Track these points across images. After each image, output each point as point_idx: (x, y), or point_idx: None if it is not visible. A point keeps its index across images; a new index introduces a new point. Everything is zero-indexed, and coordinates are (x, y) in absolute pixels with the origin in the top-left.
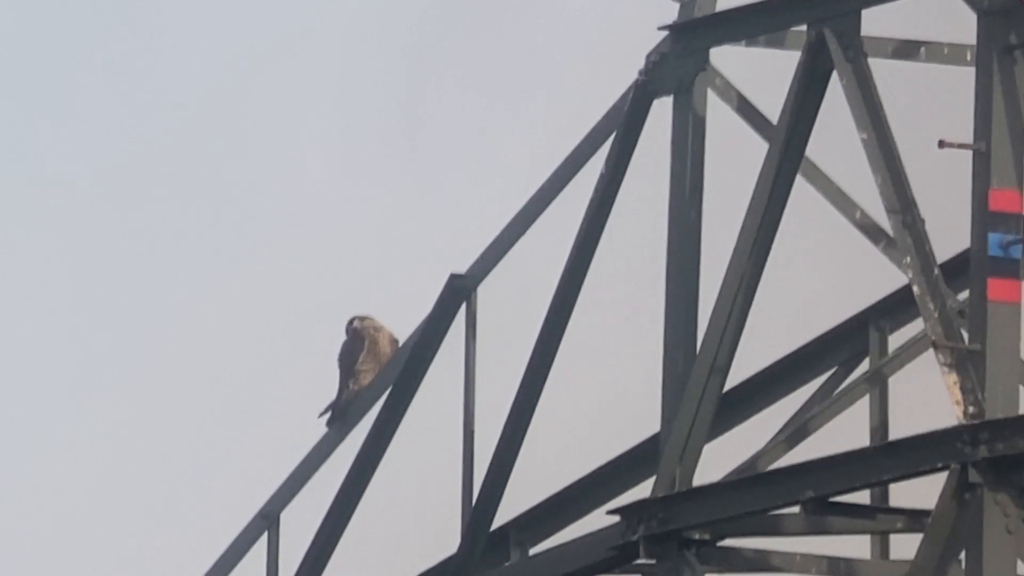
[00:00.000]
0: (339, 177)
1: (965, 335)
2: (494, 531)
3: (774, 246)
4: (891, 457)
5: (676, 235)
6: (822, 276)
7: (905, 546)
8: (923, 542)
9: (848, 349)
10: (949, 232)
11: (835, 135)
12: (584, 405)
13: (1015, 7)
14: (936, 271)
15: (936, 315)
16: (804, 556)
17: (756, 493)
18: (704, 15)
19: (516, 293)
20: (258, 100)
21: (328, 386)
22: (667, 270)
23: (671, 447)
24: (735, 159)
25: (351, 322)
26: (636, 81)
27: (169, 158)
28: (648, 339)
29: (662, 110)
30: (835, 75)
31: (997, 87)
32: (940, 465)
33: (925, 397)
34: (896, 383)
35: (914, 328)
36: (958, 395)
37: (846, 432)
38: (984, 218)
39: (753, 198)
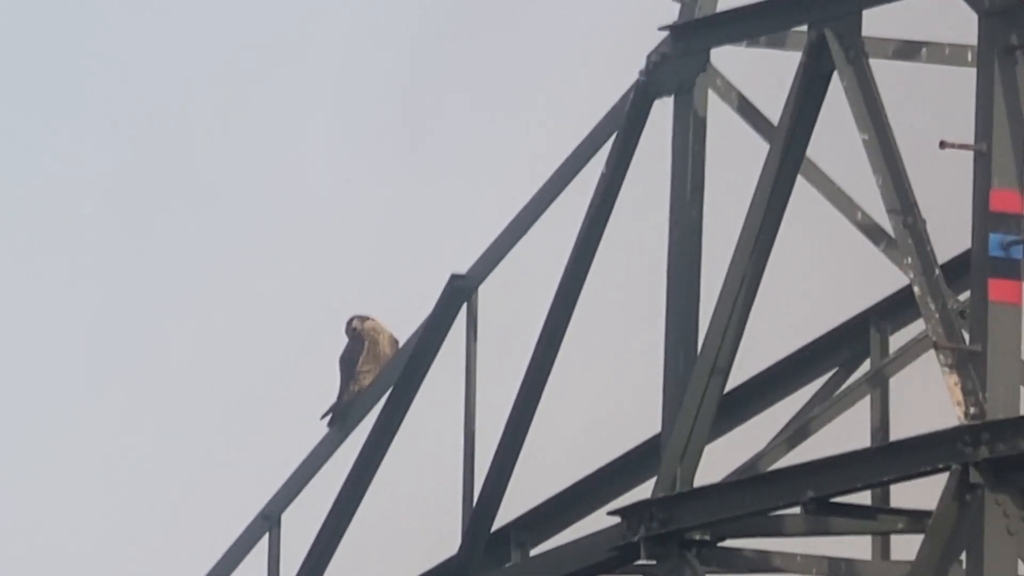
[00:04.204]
0: (340, 178)
1: (966, 336)
2: (495, 532)
3: (775, 247)
4: (892, 458)
5: (677, 235)
6: (823, 277)
7: (906, 547)
8: (924, 543)
9: (849, 350)
10: (950, 233)
11: (836, 136)
12: (585, 406)
13: (1016, 8)
14: (937, 272)
15: (937, 316)
16: (805, 557)
17: (757, 494)
18: (705, 15)
19: (517, 294)
20: (259, 102)
21: (329, 387)
22: (668, 270)
23: (672, 448)
24: (736, 160)
25: (351, 321)
26: (637, 81)
27: (170, 159)
28: (649, 340)
29: (663, 111)
30: (836, 76)
31: (998, 88)
32: (941, 466)
33: (926, 398)
34: (897, 384)
35: (915, 329)
36: (959, 396)
37: (847, 433)
38: (985, 218)
39: (754, 199)
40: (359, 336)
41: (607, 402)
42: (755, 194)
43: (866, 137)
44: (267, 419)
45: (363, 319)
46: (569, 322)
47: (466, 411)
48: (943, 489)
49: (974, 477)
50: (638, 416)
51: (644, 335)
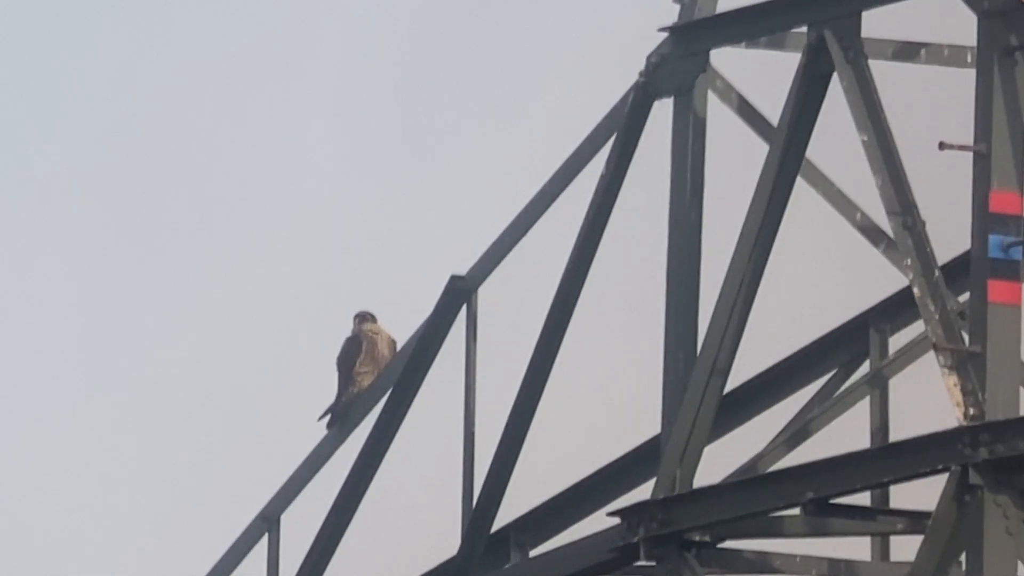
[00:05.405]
0: (340, 179)
1: (965, 337)
2: (494, 533)
3: (775, 248)
4: (891, 459)
5: (676, 236)
6: (823, 278)
7: (905, 548)
8: (923, 544)
9: (849, 351)
10: (950, 234)
11: (835, 137)
12: (584, 407)
13: (1015, 9)
14: (937, 273)
15: (937, 317)
16: (804, 558)
17: (757, 495)
18: (704, 16)
19: (517, 295)
20: (259, 104)
21: (329, 388)
22: (667, 271)
23: (672, 449)
24: (736, 161)
25: (361, 318)
26: (636, 83)
27: (170, 162)
28: (649, 341)
29: (663, 112)
30: (835, 77)
31: (997, 89)
32: (940, 467)
33: (926, 399)
34: (897, 385)
35: (915, 330)
36: (958, 397)
37: (847, 434)
38: (984, 220)
39: (753, 200)
40: (357, 338)
41: (607, 402)
42: (755, 195)
43: (865, 138)
44: (267, 419)
45: (364, 318)
46: (569, 322)
47: (466, 411)
48: (943, 490)
49: (973, 478)
50: (638, 416)
51: (644, 335)
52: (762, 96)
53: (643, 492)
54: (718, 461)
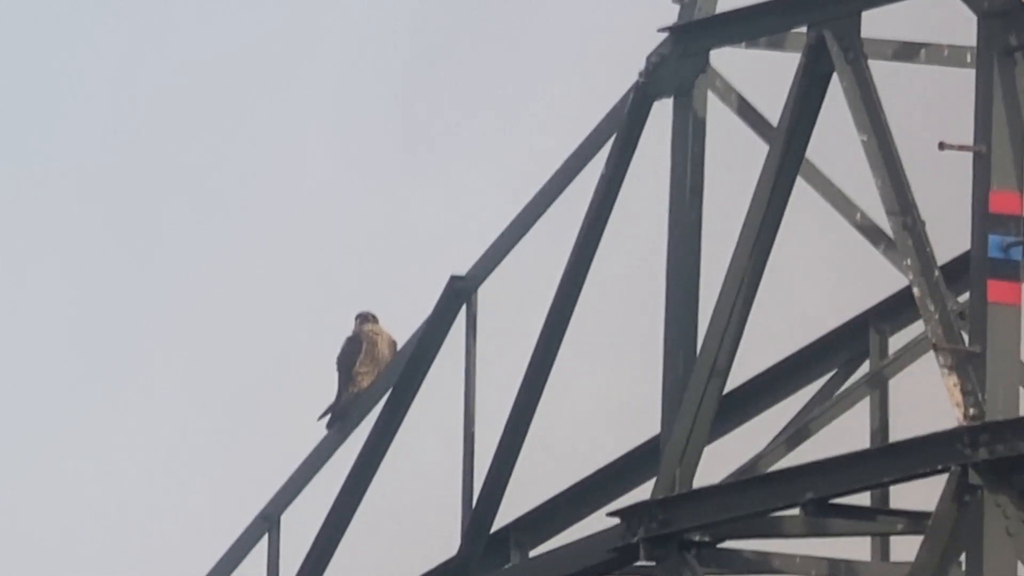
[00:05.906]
0: (339, 179)
1: (965, 337)
2: (494, 533)
3: (774, 248)
4: (891, 459)
5: (676, 236)
6: (822, 278)
7: (905, 548)
8: (923, 544)
9: (848, 351)
10: (949, 234)
11: (835, 137)
12: (584, 407)
13: (1015, 9)
14: (936, 273)
15: (936, 317)
16: (804, 558)
17: (756, 495)
18: (704, 17)
19: (517, 295)
20: (259, 104)
21: (328, 388)
22: (667, 271)
23: (671, 449)
24: (735, 161)
25: (363, 318)
26: (636, 83)
27: (169, 161)
28: (648, 341)
29: (662, 112)
30: (835, 77)
31: (997, 89)
32: (940, 467)
33: (925, 399)
34: (896, 385)
35: (914, 330)
36: (958, 397)
37: (846, 434)
38: (984, 220)
39: (753, 200)
40: (357, 337)
41: (606, 403)
42: (755, 195)
43: (865, 138)
44: (267, 419)
45: (366, 319)
46: (569, 322)
47: (466, 411)
48: (942, 490)
49: (973, 478)
50: (638, 417)
51: (644, 336)
52: (762, 96)
53: (643, 492)
54: (718, 461)
